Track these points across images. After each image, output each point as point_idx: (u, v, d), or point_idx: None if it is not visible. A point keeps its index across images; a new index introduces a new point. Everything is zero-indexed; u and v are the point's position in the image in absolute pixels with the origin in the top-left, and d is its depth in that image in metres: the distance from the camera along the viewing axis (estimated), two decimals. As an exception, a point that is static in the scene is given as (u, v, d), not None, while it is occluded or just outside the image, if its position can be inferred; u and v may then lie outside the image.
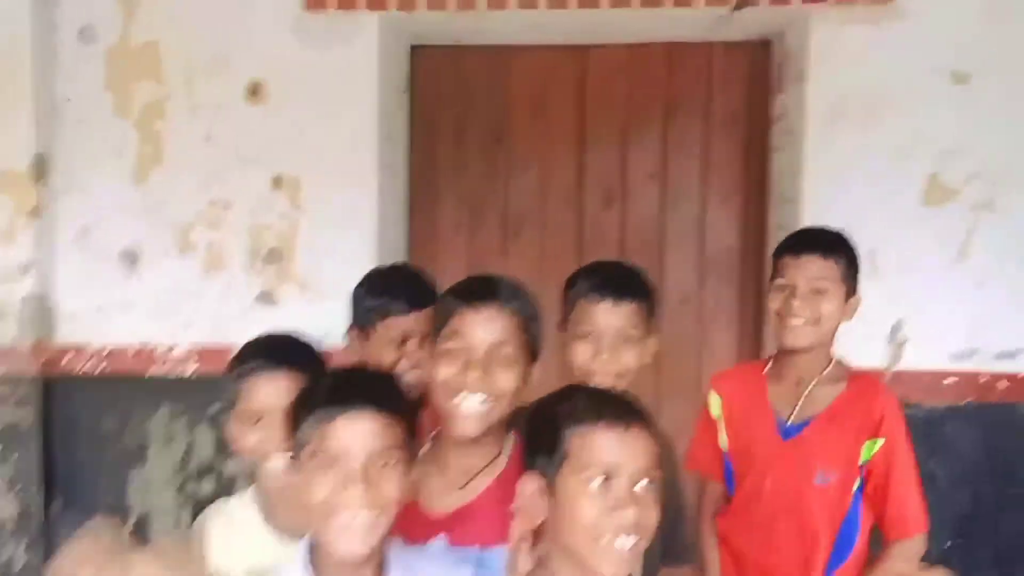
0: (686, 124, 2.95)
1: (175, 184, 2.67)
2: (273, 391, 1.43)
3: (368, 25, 2.61)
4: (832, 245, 1.82)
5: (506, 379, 1.36)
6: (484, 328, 1.36)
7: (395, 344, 1.74)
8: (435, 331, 1.41)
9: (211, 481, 2.71)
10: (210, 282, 2.70)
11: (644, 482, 1.18)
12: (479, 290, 1.40)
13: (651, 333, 1.66)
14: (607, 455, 1.18)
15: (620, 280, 1.63)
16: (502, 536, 1.32)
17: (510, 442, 1.44)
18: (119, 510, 2.71)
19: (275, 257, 2.69)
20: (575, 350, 1.62)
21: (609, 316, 1.59)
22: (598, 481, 1.17)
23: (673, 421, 2.91)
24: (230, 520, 1.52)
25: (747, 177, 2.95)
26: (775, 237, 2.83)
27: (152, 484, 2.75)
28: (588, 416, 1.20)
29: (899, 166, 2.54)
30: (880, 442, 1.76)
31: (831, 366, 1.85)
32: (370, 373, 1.32)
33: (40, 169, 2.64)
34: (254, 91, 2.64)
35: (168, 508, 2.74)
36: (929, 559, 2.53)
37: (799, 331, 1.78)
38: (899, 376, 2.55)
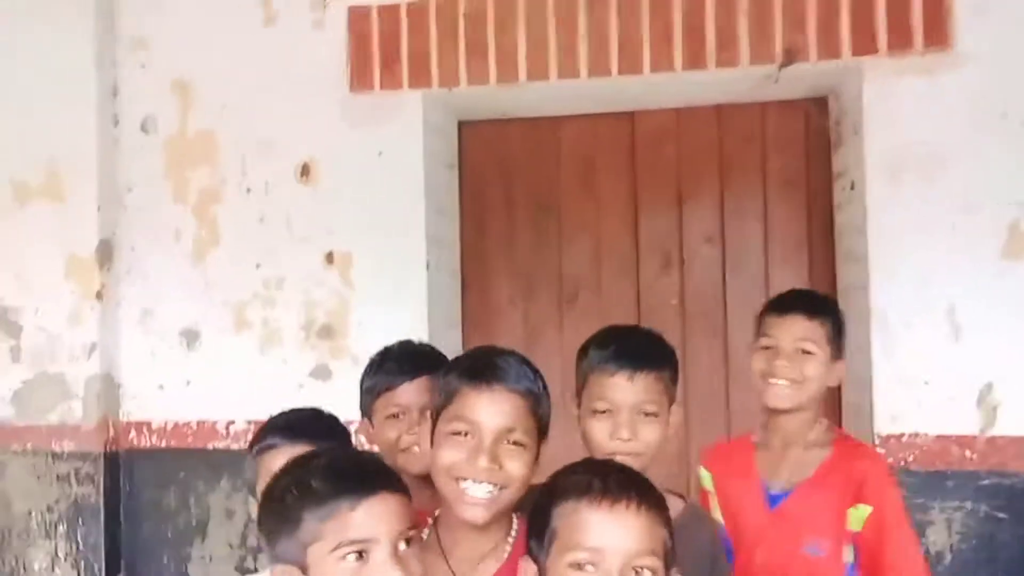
0: (743, 185, 2.87)
1: (231, 264, 2.73)
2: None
3: (412, 103, 2.65)
4: (818, 306, 1.80)
5: (516, 466, 1.26)
6: (492, 412, 1.26)
7: (392, 421, 1.68)
8: (436, 409, 1.33)
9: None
10: (265, 358, 2.72)
11: (634, 571, 1.06)
12: (485, 369, 1.29)
13: (672, 403, 1.53)
14: (592, 536, 1.06)
15: (636, 349, 1.50)
16: None
17: (515, 525, 1.33)
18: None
19: (328, 333, 2.69)
20: (591, 428, 1.49)
21: (626, 390, 1.46)
22: (581, 566, 1.06)
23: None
24: None
25: (810, 236, 2.83)
26: (845, 297, 2.69)
27: (213, 558, 2.73)
28: (575, 491, 1.10)
29: (972, 218, 2.38)
30: (866, 509, 1.65)
31: (819, 430, 1.78)
32: (355, 457, 1.23)
33: (104, 254, 2.75)
34: (304, 171, 2.70)
35: (227, 583, 2.72)
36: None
37: (782, 392, 1.73)
38: (994, 442, 2.33)
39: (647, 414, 1.47)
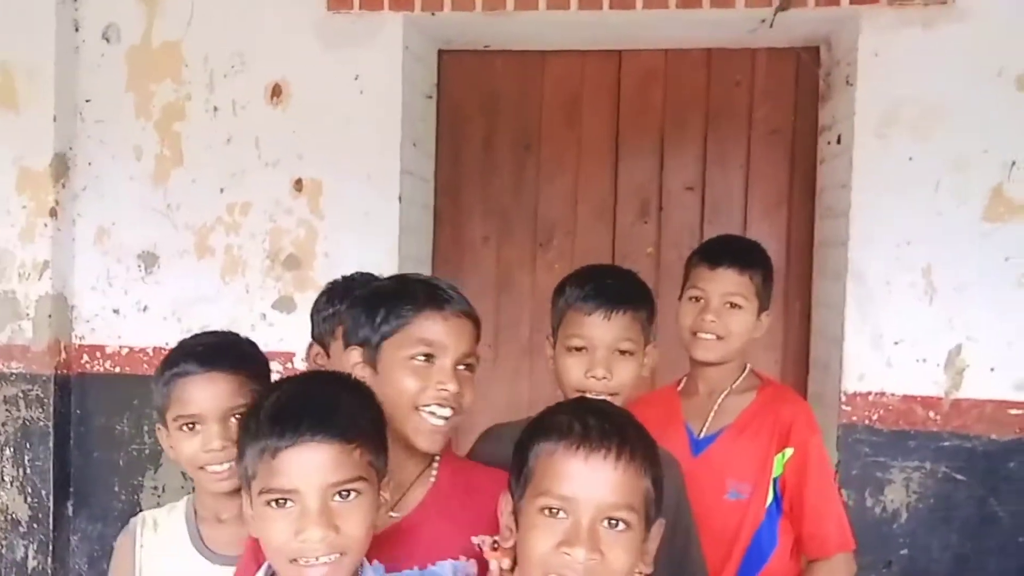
0: (727, 134, 2.80)
1: (194, 186, 2.62)
2: (210, 394, 1.33)
3: (392, 26, 2.53)
4: (749, 258, 1.77)
5: (470, 392, 1.25)
6: (457, 336, 1.24)
7: None
8: (382, 332, 1.27)
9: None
10: (227, 286, 2.63)
11: (607, 522, 1.02)
12: (440, 293, 1.26)
13: (648, 343, 1.51)
14: (565, 484, 1.02)
15: (614, 288, 1.47)
16: (444, 553, 1.20)
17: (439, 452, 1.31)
18: (131, 513, 2.65)
19: (293, 263, 2.61)
20: (566, 365, 1.47)
21: (603, 328, 1.44)
22: (552, 512, 1.02)
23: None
24: (157, 533, 1.41)
25: (792, 190, 2.79)
26: (822, 254, 2.67)
27: (166, 489, 2.68)
28: (553, 434, 1.05)
29: (958, 179, 2.34)
30: (789, 452, 1.67)
31: (743, 377, 1.79)
32: (321, 387, 1.13)
33: (59, 169, 2.62)
34: (276, 92, 2.58)
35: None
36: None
37: (709, 346, 1.73)
38: (958, 405, 2.34)
39: (623, 352, 1.46)
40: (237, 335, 1.48)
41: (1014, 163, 2.31)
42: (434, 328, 1.24)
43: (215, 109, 2.60)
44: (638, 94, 2.83)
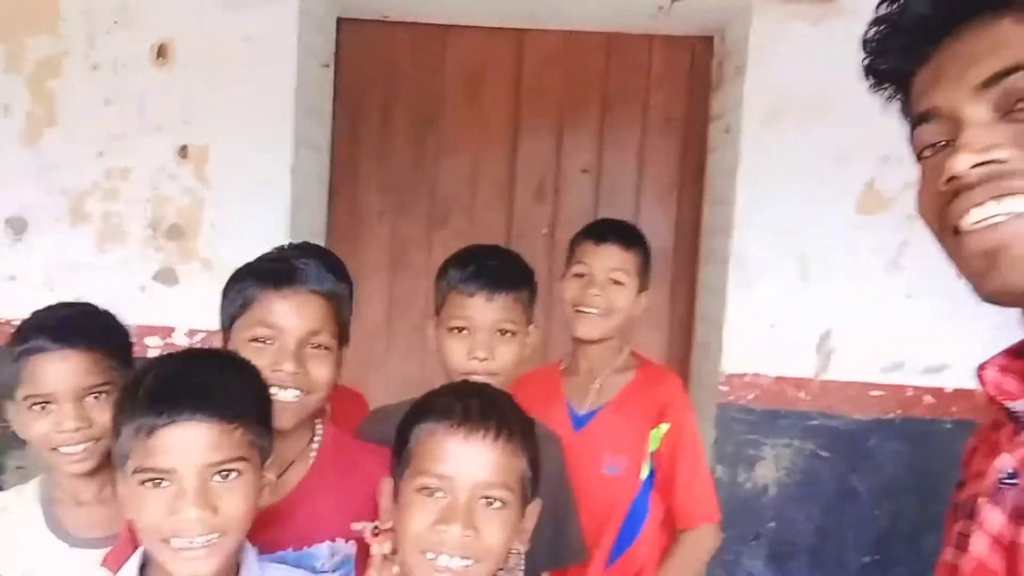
0: (623, 118, 2.85)
1: (69, 148, 2.47)
2: (63, 373, 1.26)
3: (288, -11, 2.44)
4: (633, 237, 1.85)
5: (321, 371, 1.23)
6: (296, 315, 1.22)
7: None
8: (229, 316, 1.26)
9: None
10: (104, 256, 2.51)
11: (484, 500, 1.04)
12: (287, 272, 1.24)
13: (530, 324, 1.54)
14: (443, 463, 1.04)
15: (496, 270, 1.49)
16: (320, 535, 1.20)
17: (320, 431, 1.31)
18: None
19: (176, 233, 2.51)
20: (448, 346, 1.48)
21: (484, 310, 1.46)
22: (430, 491, 1.04)
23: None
24: (3, 517, 1.36)
25: (683, 176, 2.86)
26: (708, 239, 2.76)
27: (35, 468, 2.54)
28: (433, 415, 1.07)
29: (837, 171, 2.46)
30: (664, 427, 1.77)
31: (623, 356, 1.87)
32: (202, 365, 1.11)
33: (-82, 123, 2.43)
34: (162, 52, 2.46)
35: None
36: (845, 575, 2.48)
37: (592, 321, 1.78)
38: (826, 386, 2.47)
39: (504, 332, 1.48)
40: (95, 307, 1.40)
41: (886, 157, 2.43)
42: (271, 308, 1.22)
43: (94, 67, 2.46)
44: (538, 75, 2.84)
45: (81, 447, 1.27)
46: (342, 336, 1.29)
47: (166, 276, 2.50)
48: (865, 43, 0.81)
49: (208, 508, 1.00)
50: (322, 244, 2.82)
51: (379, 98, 2.86)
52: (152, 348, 2.42)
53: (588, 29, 2.79)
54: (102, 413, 1.28)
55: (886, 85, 0.82)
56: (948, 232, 0.76)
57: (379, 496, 1.13)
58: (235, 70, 2.46)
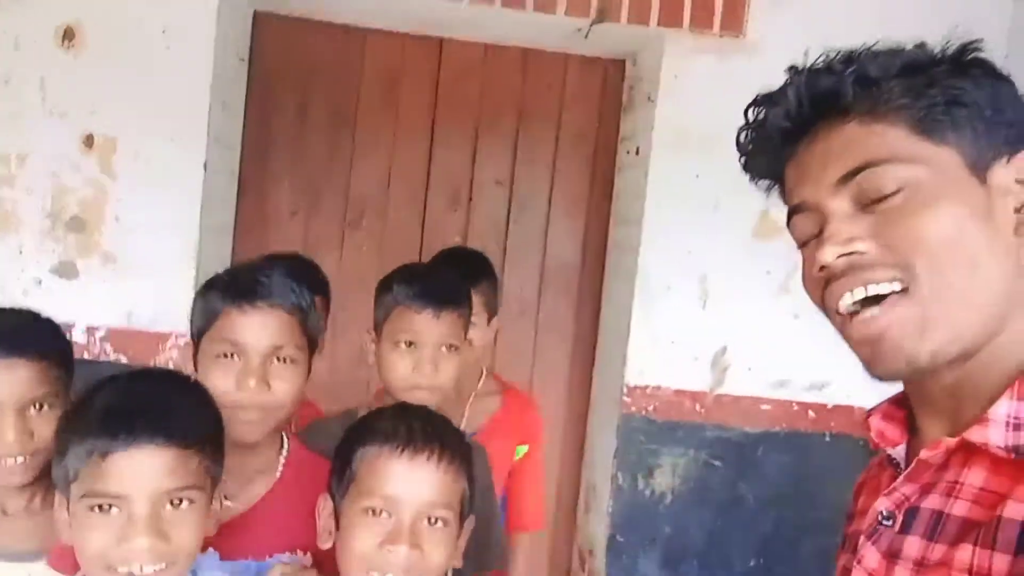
0: (537, 133, 2.93)
1: (-40, 129, 2.33)
2: (7, 383, 1.22)
3: (208, -19, 2.39)
4: (462, 294, 1.62)
5: (285, 386, 1.23)
6: (257, 331, 1.22)
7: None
8: (197, 331, 1.26)
9: None
10: (-4, 245, 2.37)
11: (428, 520, 1.08)
12: (247, 287, 1.23)
13: (466, 339, 1.60)
14: (389, 484, 1.07)
15: (442, 287, 1.53)
16: (281, 547, 1.21)
17: (287, 445, 1.32)
18: None
19: (78, 225, 2.40)
20: (392, 361, 1.50)
21: (431, 325, 1.49)
22: (376, 512, 1.07)
23: (499, 431, 2.93)
24: None
25: (592, 193, 2.96)
26: (614, 256, 2.87)
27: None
28: (378, 438, 1.09)
29: (734, 199, 2.59)
30: (524, 448, 2.01)
31: (484, 381, 2.04)
32: (159, 386, 1.08)
33: None
34: (68, 35, 2.35)
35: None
36: (731, 577, 2.64)
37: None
38: (719, 400, 2.62)
39: (449, 348, 1.51)
40: (37, 314, 1.35)
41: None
42: (233, 324, 1.21)
43: (-8, 45, 2.33)
44: (456, 84, 2.88)
45: (20, 459, 1.21)
46: (311, 345, 1.29)
47: (65, 269, 2.39)
48: (738, 144, 0.91)
49: (160, 537, 0.97)
50: (230, 241, 2.77)
51: (294, 95, 2.82)
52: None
53: (506, 43, 2.85)
54: (44, 426, 1.24)
55: (763, 180, 0.92)
56: (832, 313, 0.85)
57: (317, 516, 1.14)
58: (148, 60, 2.38)
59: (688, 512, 2.61)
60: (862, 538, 0.82)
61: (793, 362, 2.62)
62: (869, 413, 0.88)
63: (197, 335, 1.26)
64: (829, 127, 0.81)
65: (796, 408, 2.62)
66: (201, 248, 2.44)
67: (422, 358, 1.47)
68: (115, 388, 1.04)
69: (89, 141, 2.38)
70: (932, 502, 0.77)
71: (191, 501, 1.01)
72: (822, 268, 0.81)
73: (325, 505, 1.13)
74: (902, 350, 0.77)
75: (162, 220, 2.38)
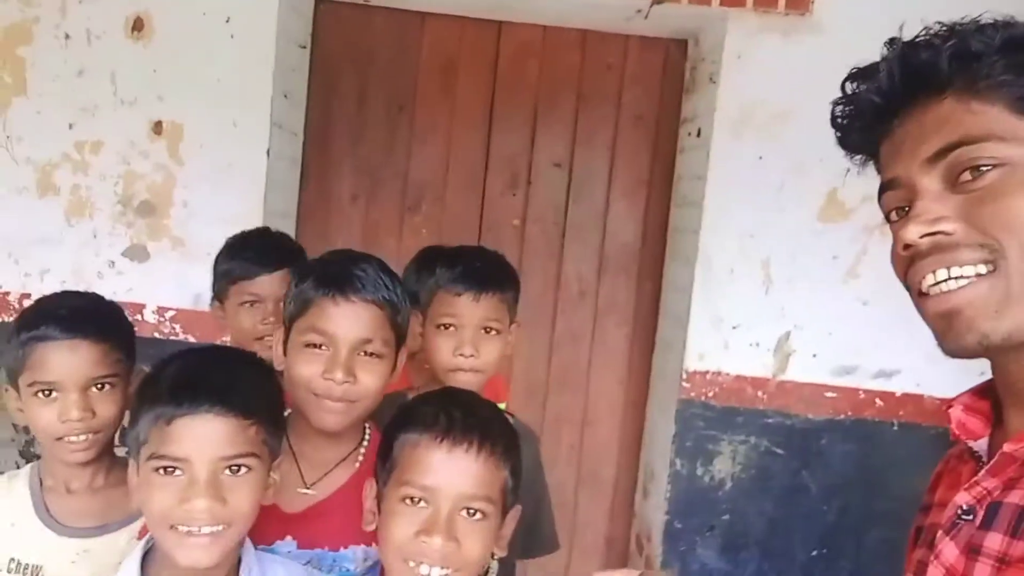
0: (597, 115, 2.90)
1: (39, 118, 2.43)
2: (72, 362, 1.27)
3: (269, -30, 2.42)
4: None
5: (371, 379, 1.24)
6: (348, 324, 1.23)
7: (247, 309, 1.69)
8: (288, 318, 1.28)
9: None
10: (73, 229, 2.47)
11: (466, 512, 1.07)
12: (341, 278, 1.25)
13: (512, 323, 1.58)
14: (427, 474, 1.06)
15: (484, 270, 1.53)
16: (356, 537, 1.22)
17: (368, 435, 1.33)
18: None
19: (148, 210, 2.48)
20: (435, 343, 1.51)
21: (472, 309, 1.49)
22: (414, 501, 1.07)
23: (561, 411, 2.94)
24: None
25: (652, 175, 2.92)
26: (675, 239, 2.83)
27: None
28: (418, 426, 1.09)
29: (799, 180, 2.54)
30: (503, 406, 1.92)
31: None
32: (223, 362, 1.14)
33: None
34: (137, 25, 2.42)
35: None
36: (794, 566, 2.59)
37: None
38: (783, 386, 2.57)
39: (489, 331, 1.51)
40: (101, 297, 1.40)
41: (848, 170, 2.51)
42: (325, 314, 1.23)
43: (67, 36, 2.41)
44: (514, 66, 2.87)
45: (84, 437, 1.27)
46: (399, 340, 1.30)
47: (136, 253, 2.47)
48: (833, 119, 0.89)
49: (217, 499, 1.02)
50: (293, 227, 2.82)
51: (354, 82, 2.85)
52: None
53: (565, 25, 2.82)
54: (105, 405, 1.29)
55: (858, 156, 0.89)
56: (914, 292, 0.83)
57: (363, 498, 1.15)
58: (213, 49, 2.44)
59: (748, 500, 2.57)
60: (940, 532, 0.80)
61: (860, 349, 2.55)
62: (949, 404, 0.86)
63: (289, 321, 1.28)
64: (925, 103, 0.80)
65: (863, 396, 2.55)
66: (265, 233, 2.49)
67: (463, 340, 1.48)
68: (183, 361, 1.10)
69: (158, 128, 2.45)
70: (1016, 497, 0.75)
71: (248, 468, 1.06)
72: (907, 247, 0.80)
73: (371, 488, 1.14)
74: (977, 326, 0.76)
75: (227, 205, 2.44)
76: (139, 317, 2.43)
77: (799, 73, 2.51)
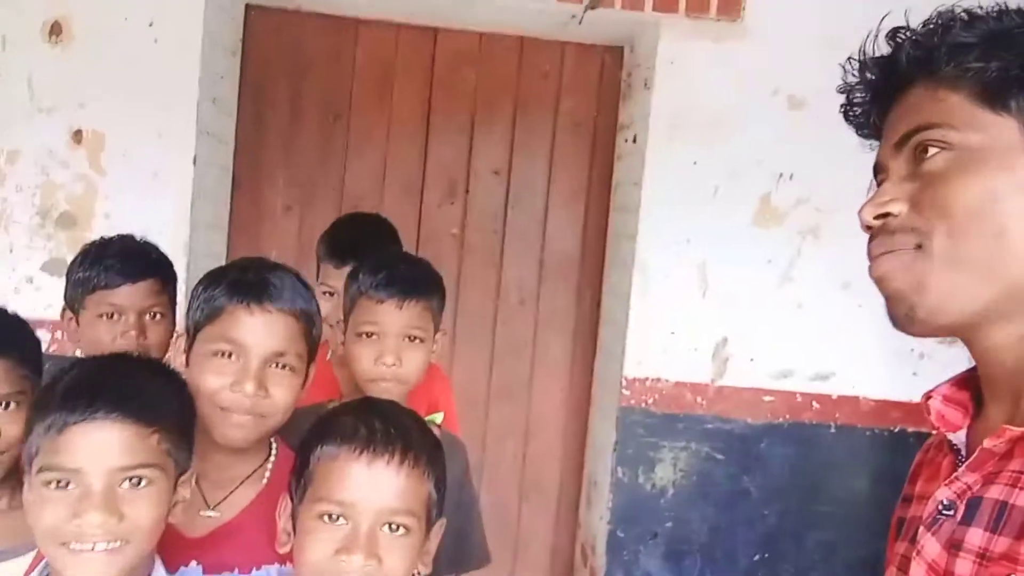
0: (534, 122, 2.88)
1: (-51, 127, 2.32)
2: None
3: (194, -26, 2.36)
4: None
5: (283, 394, 1.19)
6: (263, 334, 1.18)
7: (105, 322, 1.58)
8: (194, 324, 1.22)
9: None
10: (-13, 243, 2.37)
11: (388, 527, 1.01)
12: (257, 286, 1.19)
13: (437, 331, 1.53)
14: (346, 489, 1.01)
15: (406, 277, 1.48)
16: (268, 558, 1.16)
17: (275, 451, 1.27)
18: None
19: (68, 222, 2.39)
20: (357, 351, 1.46)
21: (395, 316, 1.44)
22: (331, 518, 1.01)
23: (501, 421, 2.90)
24: None
25: (591, 182, 2.92)
26: (613, 245, 2.82)
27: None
28: (336, 438, 1.03)
29: (733, 185, 2.55)
30: (440, 416, 1.86)
31: None
32: (124, 368, 1.06)
33: None
34: (55, 30, 2.33)
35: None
36: (736, 571, 2.59)
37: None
38: (721, 391, 2.57)
39: (413, 339, 1.46)
40: (4, 310, 1.33)
41: (781, 175, 2.55)
42: (237, 323, 1.17)
43: (-21, 42, 2.32)
44: (451, 74, 2.84)
45: None
46: (311, 353, 1.25)
47: (56, 266, 2.37)
48: (845, 116, 0.91)
49: (113, 513, 0.95)
50: (224, 237, 2.75)
51: (287, 89, 2.79)
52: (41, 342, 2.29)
53: (501, 32, 2.81)
54: (10, 424, 1.21)
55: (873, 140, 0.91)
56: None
57: (276, 516, 1.10)
58: (136, 54, 2.36)
59: (690, 506, 2.56)
60: (922, 528, 0.81)
61: (796, 352, 2.57)
62: (928, 394, 0.86)
63: (194, 328, 1.22)
64: (907, 91, 0.83)
65: (800, 399, 2.57)
66: (192, 244, 2.42)
67: (385, 348, 1.43)
68: (82, 368, 1.03)
69: (78, 137, 2.36)
70: (996, 492, 0.75)
71: (149, 481, 0.99)
72: (868, 228, 0.83)
73: (285, 506, 1.07)
74: (904, 297, 0.79)
75: (152, 216, 2.35)
76: (59, 335, 2.33)
77: (731, 78, 2.53)
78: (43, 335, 2.31)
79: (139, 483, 0.98)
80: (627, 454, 2.55)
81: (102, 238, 1.69)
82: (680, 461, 2.55)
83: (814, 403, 2.58)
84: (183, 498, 1.06)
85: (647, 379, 2.54)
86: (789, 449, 2.58)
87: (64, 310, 1.67)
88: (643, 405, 2.54)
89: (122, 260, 1.60)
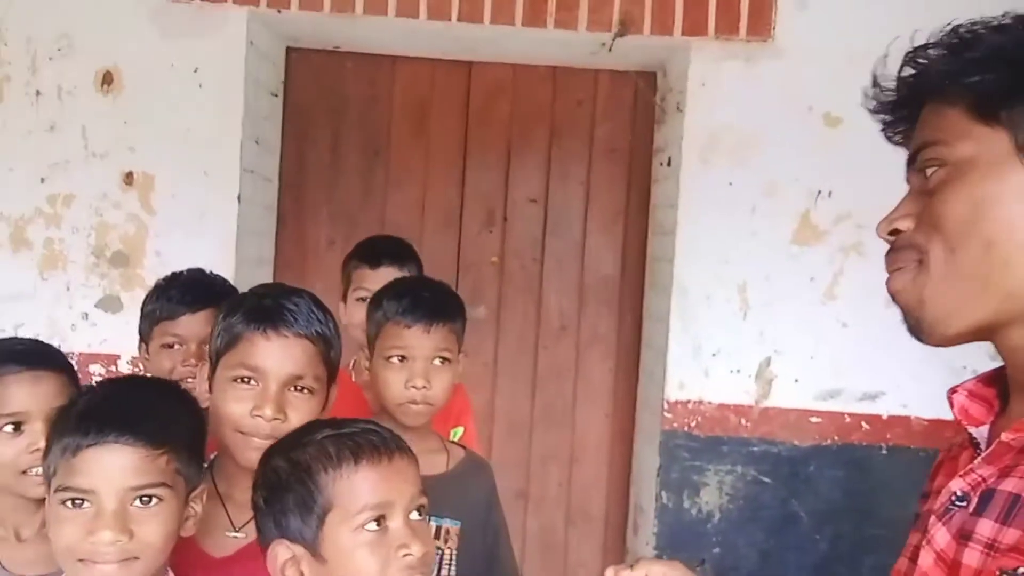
0: (570, 149, 2.91)
1: (11, 174, 2.45)
2: (36, 393, 1.25)
3: (235, 21, 2.46)
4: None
5: (302, 417, 1.20)
6: (279, 359, 1.20)
7: (167, 351, 1.64)
8: (215, 352, 1.25)
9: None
10: (47, 283, 2.48)
11: (415, 513, 1.04)
12: (272, 312, 1.22)
13: (459, 352, 1.56)
14: (376, 493, 1.02)
15: (431, 301, 1.51)
16: None
17: None
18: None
19: (121, 260, 2.49)
20: (385, 376, 1.48)
21: (422, 340, 1.47)
22: (372, 524, 1.02)
23: (545, 447, 2.90)
24: None
25: (629, 206, 2.93)
26: (652, 268, 2.81)
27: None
28: (345, 456, 1.04)
29: (770, 204, 2.53)
30: (460, 430, 1.90)
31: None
32: (137, 391, 1.11)
33: None
34: (107, 80, 2.45)
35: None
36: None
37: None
38: (766, 413, 2.53)
39: (441, 360, 1.49)
40: (39, 340, 1.40)
41: (819, 192, 2.52)
42: (255, 349, 1.21)
43: (37, 93, 2.45)
44: (486, 106, 2.90)
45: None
46: (331, 376, 1.28)
47: (109, 303, 2.47)
48: (884, 135, 0.91)
49: (124, 532, 0.99)
50: (270, 273, 2.82)
51: (328, 127, 2.88)
52: (96, 376, 2.39)
53: (534, 62, 2.86)
54: None
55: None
56: None
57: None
58: (182, 99, 2.47)
59: (738, 531, 2.51)
60: (933, 518, 0.81)
61: (843, 372, 2.52)
62: (954, 388, 0.87)
63: (216, 356, 1.26)
64: (921, 109, 0.85)
65: (848, 420, 2.51)
66: (237, 280, 2.49)
67: (415, 372, 1.46)
68: (96, 391, 1.09)
69: (129, 179, 2.47)
70: (1010, 485, 0.75)
71: (159, 499, 1.03)
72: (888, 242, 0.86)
73: (282, 554, 1.05)
74: (910, 313, 0.81)
75: (200, 253, 2.42)
76: (113, 368, 2.42)
77: (763, 98, 2.52)
78: (98, 368, 2.43)
79: (149, 501, 1.02)
80: (671, 478, 2.52)
81: (173, 273, 1.76)
82: (726, 485, 2.51)
83: (863, 424, 2.51)
84: (195, 513, 1.10)
85: (689, 402, 2.52)
86: (839, 472, 2.52)
87: (140, 343, 1.73)
88: (686, 428, 2.52)
89: (183, 291, 1.67)
